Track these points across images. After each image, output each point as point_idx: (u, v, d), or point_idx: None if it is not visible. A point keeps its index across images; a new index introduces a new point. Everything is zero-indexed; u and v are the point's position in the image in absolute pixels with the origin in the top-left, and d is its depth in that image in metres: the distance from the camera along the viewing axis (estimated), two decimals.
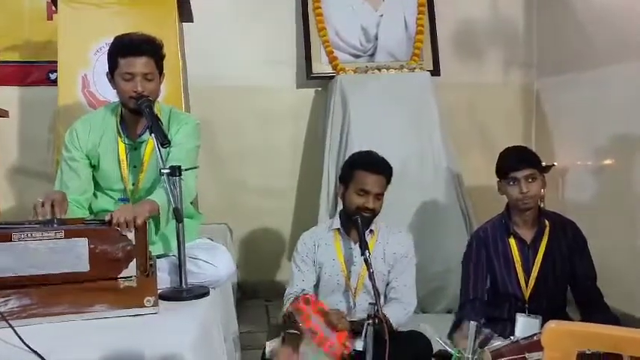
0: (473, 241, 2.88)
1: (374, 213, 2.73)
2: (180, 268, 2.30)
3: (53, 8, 3.65)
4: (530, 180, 2.70)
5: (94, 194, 2.60)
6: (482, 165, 4.40)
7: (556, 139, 4.19)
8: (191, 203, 2.64)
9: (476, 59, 4.53)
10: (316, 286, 2.82)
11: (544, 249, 2.75)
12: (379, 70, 4.13)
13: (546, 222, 2.78)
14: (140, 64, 2.42)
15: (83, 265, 2.02)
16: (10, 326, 1.84)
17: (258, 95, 4.27)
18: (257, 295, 4.25)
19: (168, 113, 2.60)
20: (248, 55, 4.25)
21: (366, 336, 2.35)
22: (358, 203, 2.72)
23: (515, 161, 2.74)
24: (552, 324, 1.28)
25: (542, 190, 2.75)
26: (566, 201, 3.26)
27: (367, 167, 2.75)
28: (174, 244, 2.45)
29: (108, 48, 2.52)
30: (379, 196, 2.73)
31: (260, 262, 4.34)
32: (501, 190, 2.82)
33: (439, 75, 4.29)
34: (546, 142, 4.11)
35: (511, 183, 2.72)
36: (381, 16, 4.31)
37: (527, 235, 2.79)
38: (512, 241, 2.79)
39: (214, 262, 2.47)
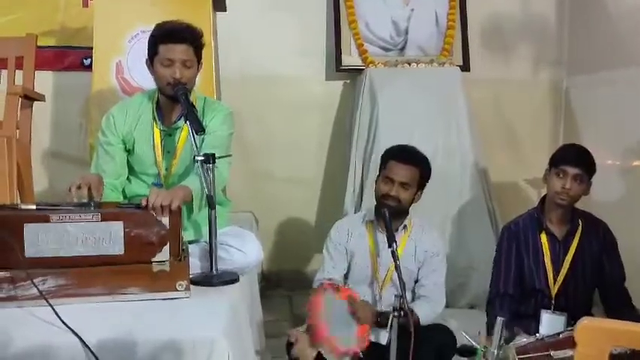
0: (504, 235, 2.89)
1: (399, 202, 2.74)
2: (210, 254, 2.34)
3: None
4: (577, 180, 2.72)
5: (128, 179, 2.66)
6: (507, 162, 4.43)
7: (584, 137, 4.16)
8: (222, 191, 2.68)
9: (505, 55, 4.51)
10: (346, 276, 2.85)
11: (575, 247, 2.75)
12: (409, 64, 4.13)
13: (579, 221, 2.79)
14: (180, 50, 2.46)
15: (118, 248, 2.07)
16: (49, 304, 1.90)
17: (287, 86, 4.29)
18: (280, 284, 4.29)
19: (203, 101, 2.65)
20: (278, 46, 4.26)
21: (391, 328, 2.38)
22: (383, 191, 2.74)
23: (573, 156, 2.76)
24: (585, 320, 1.29)
25: (582, 195, 2.76)
26: (595, 200, 3.24)
27: (397, 156, 2.78)
28: (205, 230, 2.50)
29: (144, 35, 2.57)
30: (405, 186, 2.73)
31: (284, 252, 4.37)
32: (546, 180, 2.83)
33: (469, 70, 4.28)
34: (574, 141, 4.05)
35: (560, 175, 2.73)
36: (412, 10, 4.29)
37: (560, 231, 2.79)
38: (543, 237, 2.80)
39: (244, 249, 2.51)
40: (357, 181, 3.96)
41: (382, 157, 2.88)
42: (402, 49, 4.28)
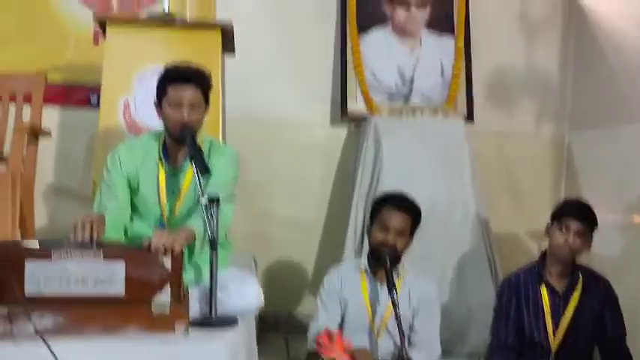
0: (504, 287, 2.90)
1: (395, 250, 2.73)
2: (210, 296, 2.32)
3: (100, 33, 3.74)
4: (579, 234, 2.73)
5: (131, 218, 2.65)
6: (509, 213, 4.43)
7: (586, 192, 4.18)
8: (224, 234, 2.67)
9: (509, 107, 4.56)
10: (340, 324, 2.83)
11: (576, 301, 2.75)
12: (413, 112, 4.16)
13: (580, 275, 2.79)
14: (188, 92, 2.49)
15: (119, 288, 2.05)
16: (45, 342, 1.87)
17: (292, 130, 4.32)
18: (277, 327, 4.24)
19: (209, 143, 2.66)
20: (285, 90, 4.30)
21: None
22: (379, 239, 2.74)
23: (576, 211, 2.79)
24: None
25: (583, 250, 2.78)
26: (595, 255, 3.26)
27: (391, 204, 2.80)
28: (205, 272, 2.49)
29: (152, 75, 2.59)
30: (401, 234, 2.75)
31: (282, 295, 4.33)
32: (548, 233, 2.85)
33: (472, 121, 4.32)
34: (576, 195, 4.08)
35: (562, 229, 2.75)
36: (418, 59, 4.36)
37: (560, 285, 2.79)
38: (543, 290, 2.80)
39: (244, 293, 2.49)
40: (359, 226, 3.95)
41: (374, 204, 2.90)
42: (407, 97, 4.33)
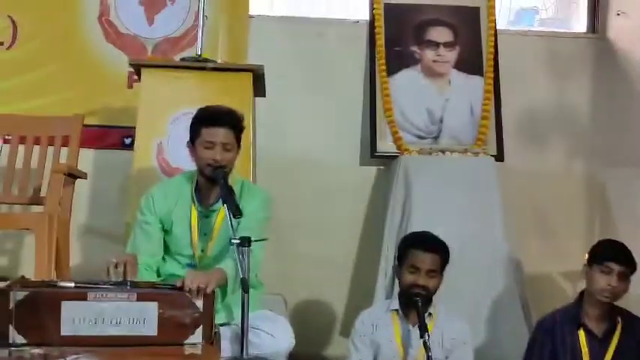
0: (539, 330, 2.84)
1: (427, 291, 2.72)
2: (242, 337, 2.33)
3: (135, 77, 3.84)
4: (622, 277, 2.69)
5: (163, 258, 2.68)
6: (541, 253, 4.37)
7: (621, 231, 4.11)
8: (255, 274, 2.69)
9: (540, 145, 4.53)
10: None
11: (615, 346, 2.69)
12: (443, 152, 4.16)
13: (618, 318, 2.73)
14: (221, 134, 2.54)
15: (152, 329, 2.08)
16: None
17: (321, 170, 4.34)
18: None
19: (241, 184, 2.69)
20: (314, 130, 4.35)
21: None
22: (410, 280, 2.73)
23: (619, 254, 2.74)
24: None
25: (624, 293, 2.73)
26: (632, 297, 3.20)
27: (419, 245, 2.79)
28: (236, 313, 2.49)
29: (185, 117, 2.65)
30: (431, 274, 2.73)
31: (313, 335, 4.30)
32: (587, 275, 2.80)
33: (502, 160, 4.30)
34: (611, 235, 4.01)
35: (603, 271, 2.70)
36: (447, 99, 4.38)
37: (599, 329, 2.73)
38: (581, 334, 2.74)
39: (275, 334, 2.50)
40: (389, 266, 3.92)
41: (401, 246, 2.89)
42: (437, 137, 4.33)
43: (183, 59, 3.57)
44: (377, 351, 2.79)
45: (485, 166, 4.06)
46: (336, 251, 4.36)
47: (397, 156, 4.19)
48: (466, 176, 3.99)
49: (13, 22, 4.21)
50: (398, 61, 4.40)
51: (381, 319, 2.84)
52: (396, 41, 4.43)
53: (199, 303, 2.12)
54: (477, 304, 3.77)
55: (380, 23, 4.41)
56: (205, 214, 2.64)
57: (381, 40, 4.39)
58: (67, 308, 2.03)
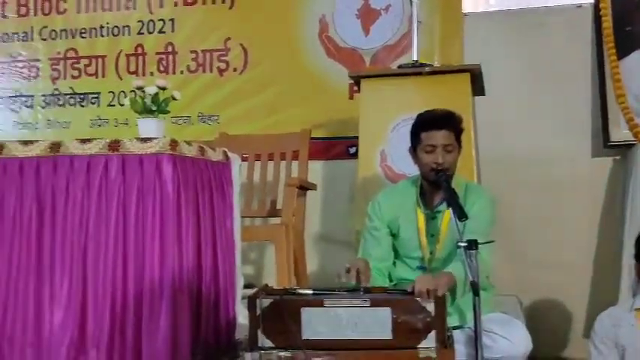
0: None
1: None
2: (476, 342, 2.31)
3: (355, 88, 3.98)
4: None
5: (393, 263, 2.75)
6: None
7: None
8: (486, 277, 2.65)
9: None
10: None
11: None
12: None
13: None
14: (441, 136, 2.56)
15: (387, 333, 2.14)
16: None
17: (549, 165, 4.16)
18: None
19: (464, 187, 2.68)
20: (539, 126, 4.18)
21: None
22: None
23: None
24: None
25: None
26: None
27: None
28: (469, 316, 2.47)
29: (404, 124, 2.70)
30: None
31: (550, 338, 4.13)
32: None
33: None
34: None
35: None
36: None
37: None
38: None
39: (510, 337, 2.44)
40: (632, 265, 3.64)
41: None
42: None
43: (400, 66, 3.63)
44: (622, 354, 2.61)
45: None
46: (571, 250, 4.15)
47: (634, 144, 3.89)
48: None
49: (244, 49, 4.59)
50: (628, 42, 4.07)
51: (624, 319, 2.65)
52: (624, 21, 4.10)
53: (430, 307, 2.14)
54: None
55: (606, 4, 4.09)
56: (431, 216, 2.67)
57: (607, 22, 4.07)
58: (306, 314, 2.16)
